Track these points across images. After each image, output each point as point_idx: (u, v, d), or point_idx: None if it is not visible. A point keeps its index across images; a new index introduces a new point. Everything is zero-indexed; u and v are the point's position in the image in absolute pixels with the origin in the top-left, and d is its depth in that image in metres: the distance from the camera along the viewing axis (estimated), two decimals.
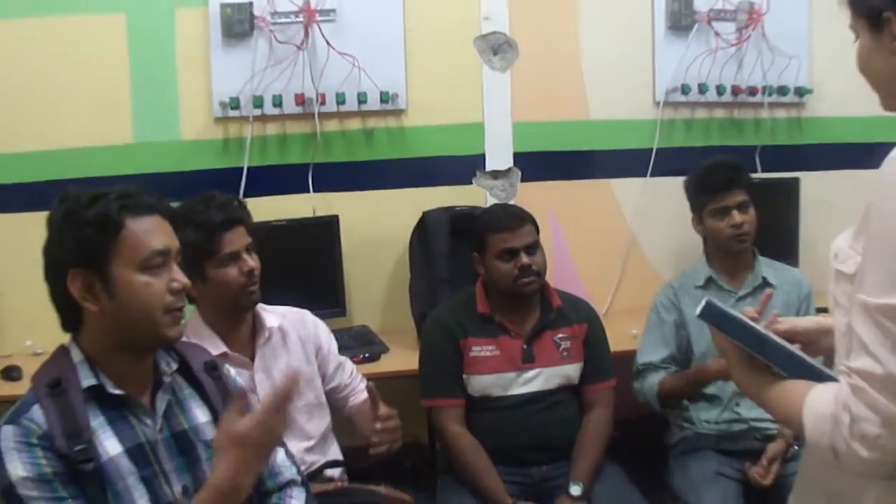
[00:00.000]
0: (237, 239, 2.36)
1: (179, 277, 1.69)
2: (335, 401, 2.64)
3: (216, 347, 2.38)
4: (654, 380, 2.87)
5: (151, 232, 1.65)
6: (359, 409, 2.63)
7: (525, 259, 2.67)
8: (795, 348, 1.44)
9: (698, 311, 1.42)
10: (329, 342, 2.65)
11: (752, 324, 1.43)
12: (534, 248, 2.71)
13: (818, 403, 1.24)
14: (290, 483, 1.85)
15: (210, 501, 1.58)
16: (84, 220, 1.60)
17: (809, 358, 1.41)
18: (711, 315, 1.43)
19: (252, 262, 2.37)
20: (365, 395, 2.66)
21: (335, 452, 2.59)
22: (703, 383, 2.79)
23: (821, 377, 1.33)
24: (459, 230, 3.24)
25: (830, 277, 1.34)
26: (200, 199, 2.37)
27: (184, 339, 2.33)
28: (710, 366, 2.68)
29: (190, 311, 2.50)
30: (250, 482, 1.62)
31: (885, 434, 1.15)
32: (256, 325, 2.49)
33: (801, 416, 1.26)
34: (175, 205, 1.77)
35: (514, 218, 2.73)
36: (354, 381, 2.69)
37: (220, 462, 1.59)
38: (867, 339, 1.17)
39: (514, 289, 2.69)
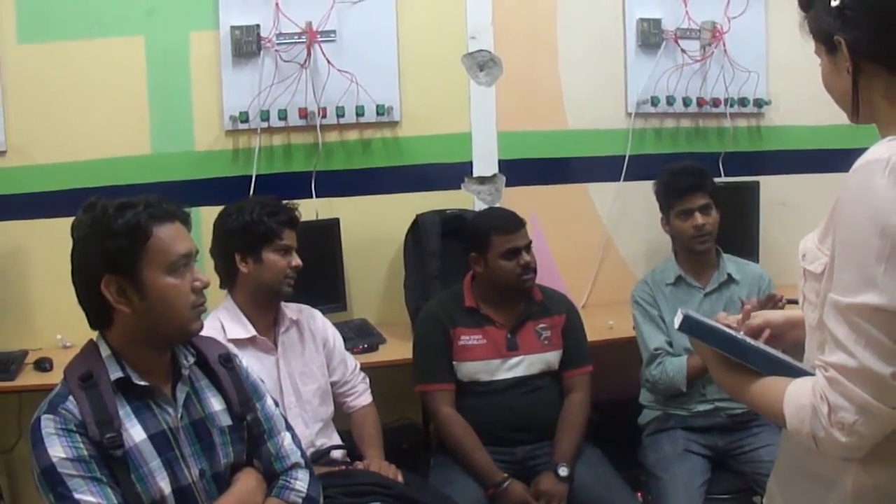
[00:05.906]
0: (292, 238, 2.49)
1: (201, 277, 1.71)
2: (335, 395, 2.66)
3: (247, 331, 2.44)
4: (680, 362, 2.78)
5: (176, 237, 1.67)
6: (355, 419, 2.67)
7: (526, 257, 2.70)
8: (766, 347, 1.45)
9: (677, 324, 1.42)
10: (335, 338, 2.68)
11: (726, 330, 1.44)
12: (530, 247, 2.74)
13: (797, 396, 1.25)
14: (295, 466, 1.85)
15: None
16: (114, 229, 1.60)
17: (780, 354, 1.41)
18: (689, 327, 1.43)
19: (299, 260, 2.49)
20: (364, 400, 2.69)
21: (336, 437, 2.61)
22: None
23: (793, 372, 1.33)
24: (450, 231, 3.26)
25: (799, 276, 1.35)
26: (271, 198, 2.53)
27: (218, 320, 2.38)
28: None
29: (220, 296, 2.53)
30: None
31: (861, 420, 1.16)
32: (278, 317, 2.54)
33: (783, 408, 1.27)
34: (190, 209, 1.78)
35: (515, 220, 2.75)
36: (355, 379, 2.71)
37: None
38: (840, 335, 1.18)
39: (516, 285, 2.72)
